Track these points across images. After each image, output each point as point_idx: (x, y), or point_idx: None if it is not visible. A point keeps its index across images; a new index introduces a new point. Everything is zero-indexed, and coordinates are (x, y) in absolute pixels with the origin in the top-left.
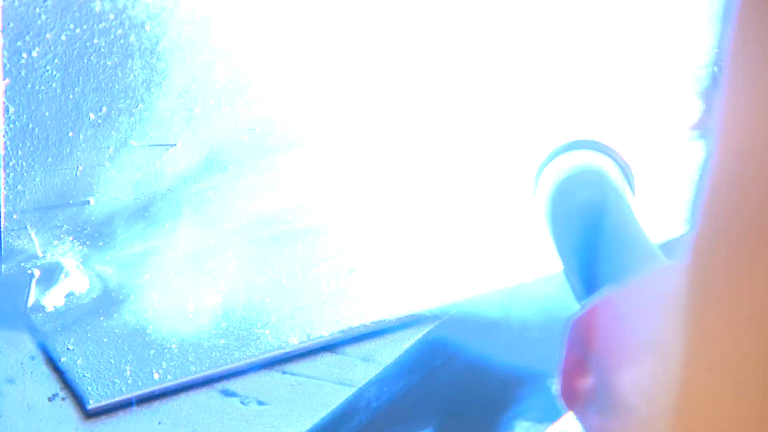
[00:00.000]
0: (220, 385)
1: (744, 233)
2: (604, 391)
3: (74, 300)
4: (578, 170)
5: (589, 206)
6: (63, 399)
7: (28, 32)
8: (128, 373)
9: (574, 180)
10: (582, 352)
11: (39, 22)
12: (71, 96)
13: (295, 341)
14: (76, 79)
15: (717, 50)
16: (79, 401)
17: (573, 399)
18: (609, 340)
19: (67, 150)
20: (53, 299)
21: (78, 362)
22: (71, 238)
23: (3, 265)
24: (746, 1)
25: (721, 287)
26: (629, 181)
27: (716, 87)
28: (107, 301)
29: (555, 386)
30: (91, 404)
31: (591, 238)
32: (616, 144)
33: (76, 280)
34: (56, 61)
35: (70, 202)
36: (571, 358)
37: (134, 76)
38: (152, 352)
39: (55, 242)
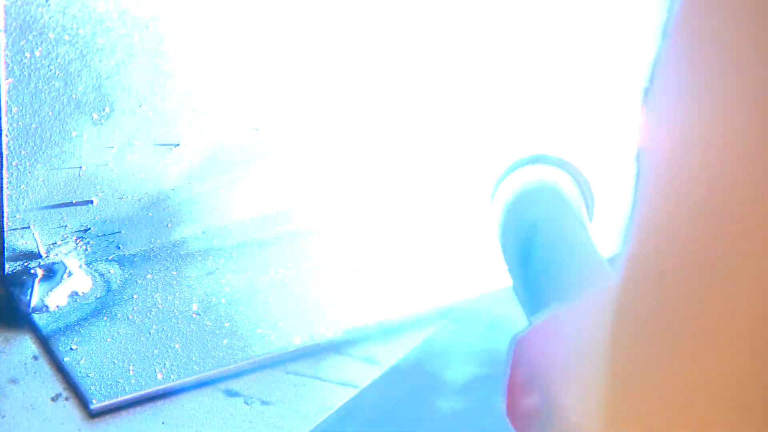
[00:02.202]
0: (224, 385)
1: (673, 253)
2: (547, 412)
3: (77, 300)
4: (532, 186)
5: (539, 223)
6: (66, 399)
7: (31, 32)
8: (132, 372)
9: (526, 196)
10: (527, 371)
11: (42, 21)
12: (74, 95)
13: (298, 341)
14: (79, 79)
15: (651, 65)
16: (82, 401)
17: (518, 418)
18: (553, 360)
19: (70, 149)
20: (56, 299)
21: (81, 362)
22: (74, 237)
23: (6, 265)
24: (681, 15)
25: (648, 309)
26: (586, 197)
27: (645, 103)
28: (110, 300)
29: (500, 405)
30: (95, 404)
31: (539, 255)
32: (576, 158)
33: (79, 280)
34: (59, 60)
35: (74, 201)
36: (516, 377)
37: (137, 76)
38: (156, 351)
39: (59, 242)
